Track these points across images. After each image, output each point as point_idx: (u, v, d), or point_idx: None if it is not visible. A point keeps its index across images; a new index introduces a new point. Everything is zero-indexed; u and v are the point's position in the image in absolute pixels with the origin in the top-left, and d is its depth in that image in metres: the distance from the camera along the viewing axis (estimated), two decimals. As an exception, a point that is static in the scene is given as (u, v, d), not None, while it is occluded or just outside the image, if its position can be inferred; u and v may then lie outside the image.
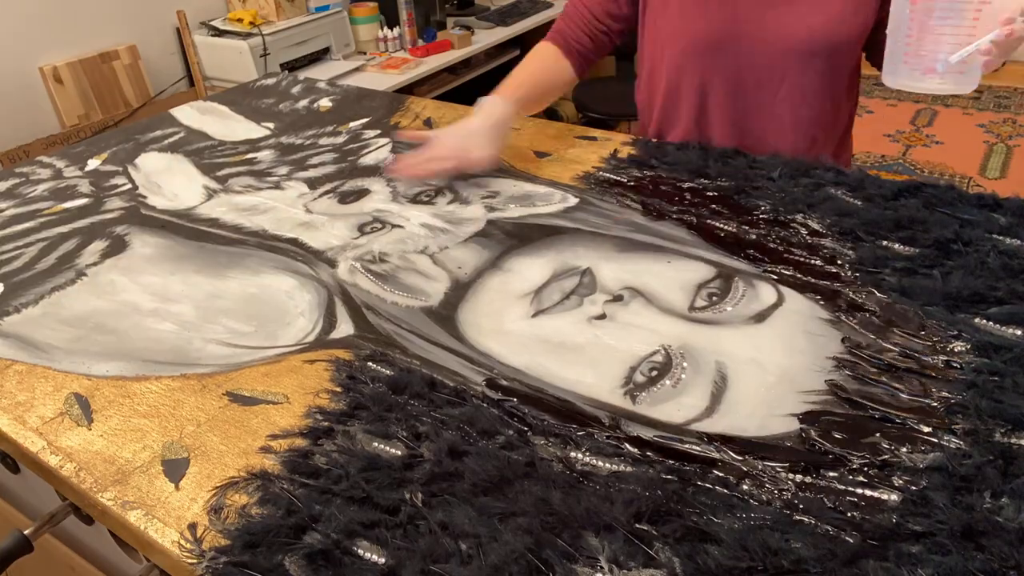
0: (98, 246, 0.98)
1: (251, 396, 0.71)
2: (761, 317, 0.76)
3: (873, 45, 1.07)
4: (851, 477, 0.58)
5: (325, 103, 1.42)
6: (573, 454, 0.61)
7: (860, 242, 0.86)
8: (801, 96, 1.07)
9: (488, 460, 0.60)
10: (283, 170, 1.16)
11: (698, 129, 1.14)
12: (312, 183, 1.11)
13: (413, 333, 0.78)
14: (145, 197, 1.11)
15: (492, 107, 1.01)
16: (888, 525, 0.53)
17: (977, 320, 0.73)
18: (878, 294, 0.78)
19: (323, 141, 1.25)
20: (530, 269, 0.86)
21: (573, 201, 1.00)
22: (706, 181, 1.02)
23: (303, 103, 1.44)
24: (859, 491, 0.56)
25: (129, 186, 1.14)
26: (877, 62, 1.06)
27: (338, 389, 0.70)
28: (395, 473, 0.60)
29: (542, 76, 1.09)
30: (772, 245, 0.87)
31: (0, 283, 0.92)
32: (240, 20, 2.71)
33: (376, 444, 0.63)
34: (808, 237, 0.88)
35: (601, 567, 0.51)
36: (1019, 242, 0.83)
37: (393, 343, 0.76)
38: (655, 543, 0.53)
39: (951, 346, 0.70)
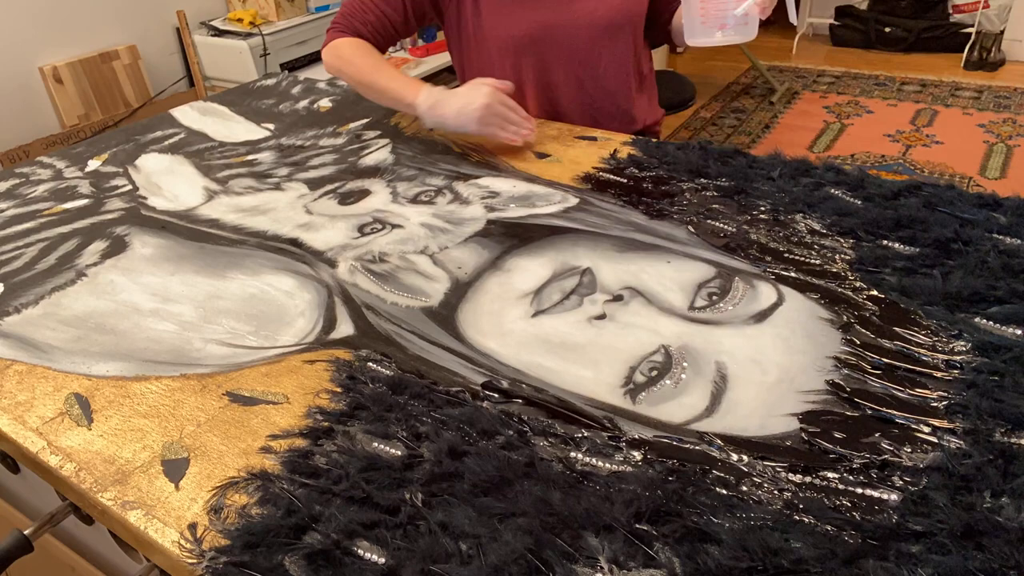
0: (98, 246, 0.98)
1: (251, 396, 0.71)
2: (761, 317, 0.76)
3: (650, 27, 1.34)
4: (851, 477, 0.58)
5: (325, 103, 1.42)
6: (573, 454, 0.61)
7: (860, 242, 0.86)
8: (619, 64, 1.30)
9: (488, 460, 0.60)
10: (283, 171, 1.16)
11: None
12: (312, 184, 1.11)
13: (413, 333, 0.78)
14: (145, 198, 1.11)
15: (436, 90, 1.17)
16: (888, 525, 0.53)
17: (977, 320, 0.73)
18: (878, 294, 0.78)
19: (323, 142, 1.25)
20: (530, 269, 0.86)
21: (573, 201, 1.00)
22: (706, 181, 1.02)
23: (303, 103, 1.44)
24: (859, 491, 0.56)
25: (129, 187, 1.14)
26: (653, 38, 1.38)
27: (338, 389, 0.70)
28: (395, 473, 0.60)
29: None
30: (772, 245, 0.87)
31: (0, 283, 0.92)
32: (240, 20, 2.71)
33: (376, 444, 0.63)
34: (808, 237, 0.88)
35: (601, 567, 0.51)
36: (1019, 241, 0.83)
37: (393, 343, 0.76)
38: (655, 543, 0.53)
39: (951, 346, 0.70)
